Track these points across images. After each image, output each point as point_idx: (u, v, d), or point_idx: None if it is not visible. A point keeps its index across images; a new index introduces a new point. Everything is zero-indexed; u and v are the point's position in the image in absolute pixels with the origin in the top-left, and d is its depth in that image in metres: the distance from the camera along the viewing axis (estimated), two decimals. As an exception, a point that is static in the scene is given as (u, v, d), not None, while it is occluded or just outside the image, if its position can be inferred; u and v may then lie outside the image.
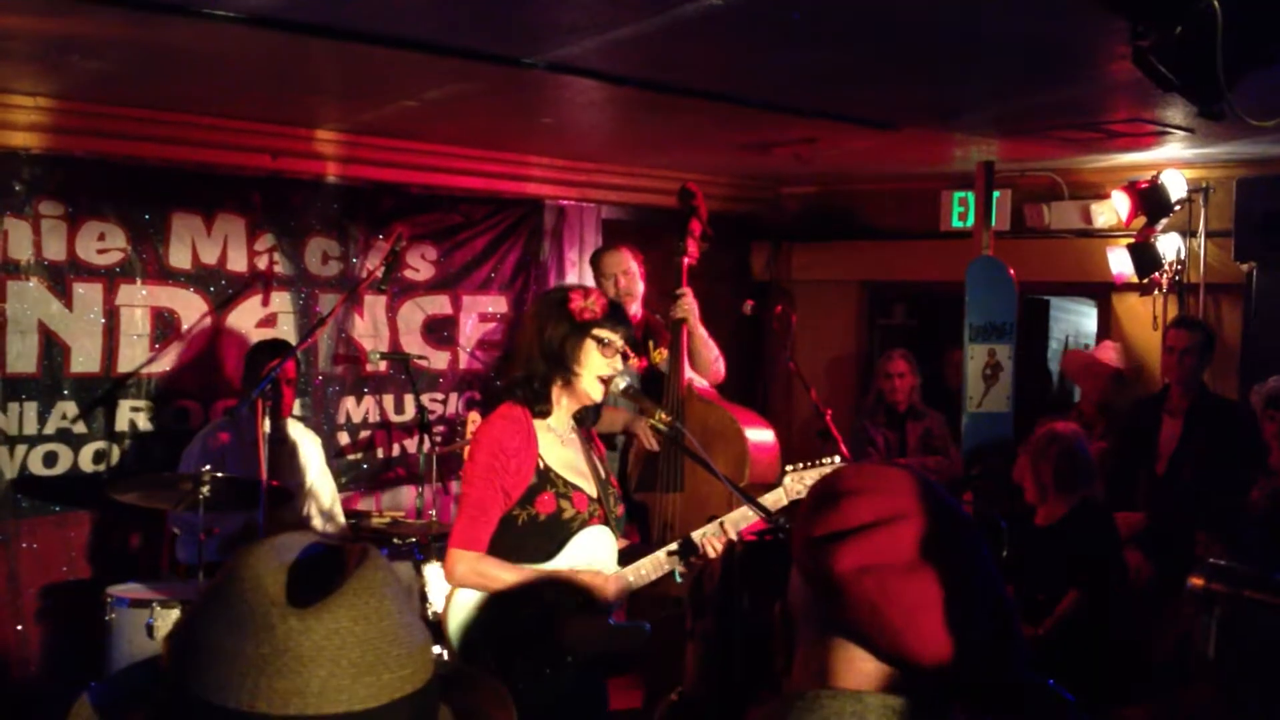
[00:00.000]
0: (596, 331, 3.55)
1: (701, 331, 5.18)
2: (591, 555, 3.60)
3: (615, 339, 3.58)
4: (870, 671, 1.36)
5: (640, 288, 5.40)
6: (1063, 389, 8.75)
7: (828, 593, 1.37)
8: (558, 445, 3.62)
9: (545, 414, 3.61)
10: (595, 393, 3.60)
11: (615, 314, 3.63)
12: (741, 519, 3.63)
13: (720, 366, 5.32)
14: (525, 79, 4.63)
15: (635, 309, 5.37)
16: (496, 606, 3.51)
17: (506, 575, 3.50)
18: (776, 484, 3.95)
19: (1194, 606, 4.63)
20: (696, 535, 3.57)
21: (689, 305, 5.12)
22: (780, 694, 1.41)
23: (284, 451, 5.45)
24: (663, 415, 3.74)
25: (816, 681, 1.39)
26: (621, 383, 3.66)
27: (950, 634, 1.32)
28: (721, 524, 3.58)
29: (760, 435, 5.01)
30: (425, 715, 1.30)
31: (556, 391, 3.61)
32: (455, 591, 3.56)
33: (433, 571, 5.18)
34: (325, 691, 1.20)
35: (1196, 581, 4.57)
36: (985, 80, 4.70)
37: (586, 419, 3.76)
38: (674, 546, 3.62)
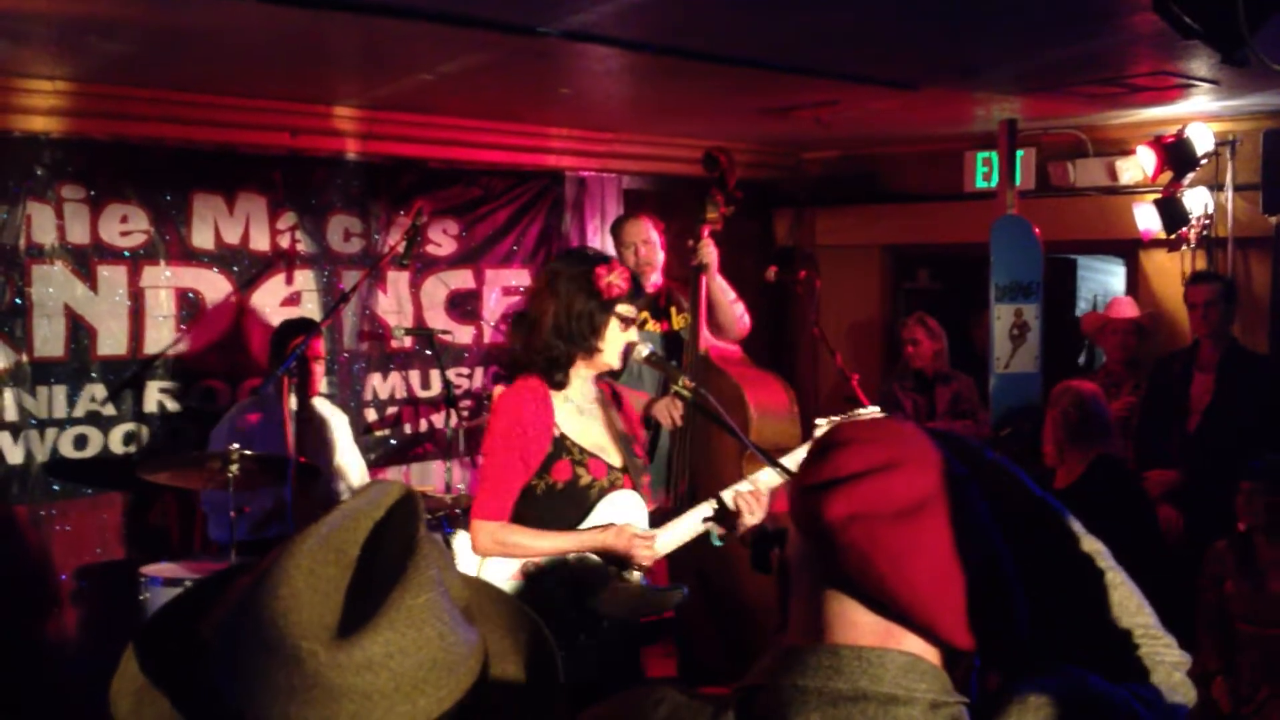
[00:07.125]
0: (621, 309, 3.56)
1: (721, 280, 5.15)
2: (620, 519, 3.59)
3: (635, 313, 3.62)
4: (863, 624, 1.36)
5: (660, 257, 5.36)
6: (1093, 349, 8.69)
7: (819, 541, 1.37)
8: (575, 415, 3.62)
9: (562, 385, 3.60)
10: (616, 362, 3.63)
11: (635, 287, 3.64)
12: (773, 477, 3.61)
13: (745, 319, 5.30)
14: (540, 48, 4.61)
15: (655, 278, 5.34)
16: (525, 574, 3.52)
17: (529, 541, 3.50)
18: (808, 439, 3.93)
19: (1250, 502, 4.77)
20: (728, 495, 3.55)
21: (709, 251, 5.08)
22: (780, 649, 1.40)
23: (312, 429, 5.46)
24: (686, 381, 3.74)
25: (812, 636, 1.38)
26: (644, 350, 3.65)
27: (937, 583, 1.32)
28: (754, 482, 3.56)
29: (767, 401, 5.00)
30: (465, 716, 1.27)
31: (576, 364, 3.61)
32: (484, 562, 3.57)
33: (461, 544, 5.19)
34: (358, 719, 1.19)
35: (1245, 486, 4.79)
36: (1004, 36, 4.64)
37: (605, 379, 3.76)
38: (707, 510, 3.61)
